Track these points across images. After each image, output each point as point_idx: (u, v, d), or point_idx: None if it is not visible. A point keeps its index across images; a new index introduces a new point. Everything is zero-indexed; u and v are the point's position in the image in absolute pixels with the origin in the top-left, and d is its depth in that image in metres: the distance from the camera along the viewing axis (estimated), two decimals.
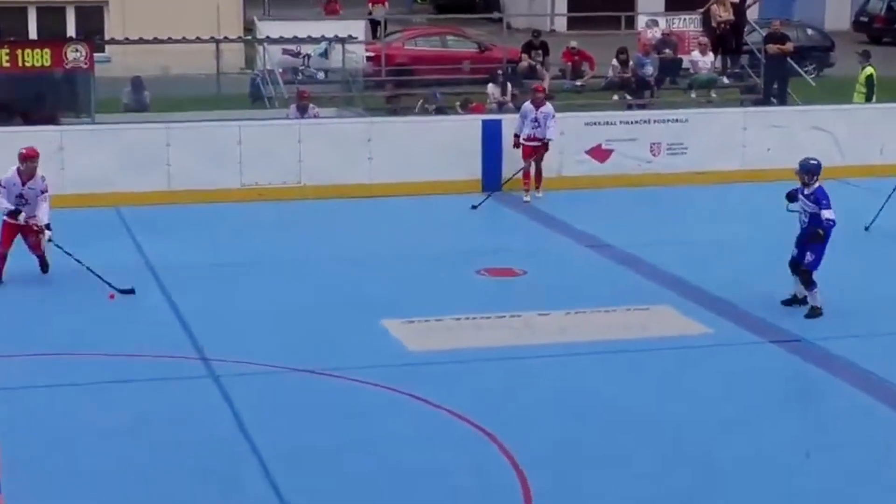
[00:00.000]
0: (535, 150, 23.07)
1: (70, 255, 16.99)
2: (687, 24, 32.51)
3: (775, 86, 30.08)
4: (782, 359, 15.20)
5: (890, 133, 25.34)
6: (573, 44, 32.40)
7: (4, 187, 17.17)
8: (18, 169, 17.27)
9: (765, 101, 29.62)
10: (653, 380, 14.48)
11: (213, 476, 11.82)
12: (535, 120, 22.99)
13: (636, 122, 25.26)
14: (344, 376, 14.24)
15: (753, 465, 12.20)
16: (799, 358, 15.18)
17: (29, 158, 17.29)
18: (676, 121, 24.89)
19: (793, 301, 16.58)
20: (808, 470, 12.16)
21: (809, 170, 16.24)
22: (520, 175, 23.13)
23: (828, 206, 15.99)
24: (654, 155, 24.34)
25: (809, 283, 16.19)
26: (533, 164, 23.12)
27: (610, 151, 24.10)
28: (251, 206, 22.18)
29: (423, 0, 61.34)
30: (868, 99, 28.35)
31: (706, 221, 21.60)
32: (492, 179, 23.58)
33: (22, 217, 17.18)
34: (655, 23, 32.86)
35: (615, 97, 29.98)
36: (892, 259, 19.28)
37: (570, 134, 23.97)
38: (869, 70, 28.61)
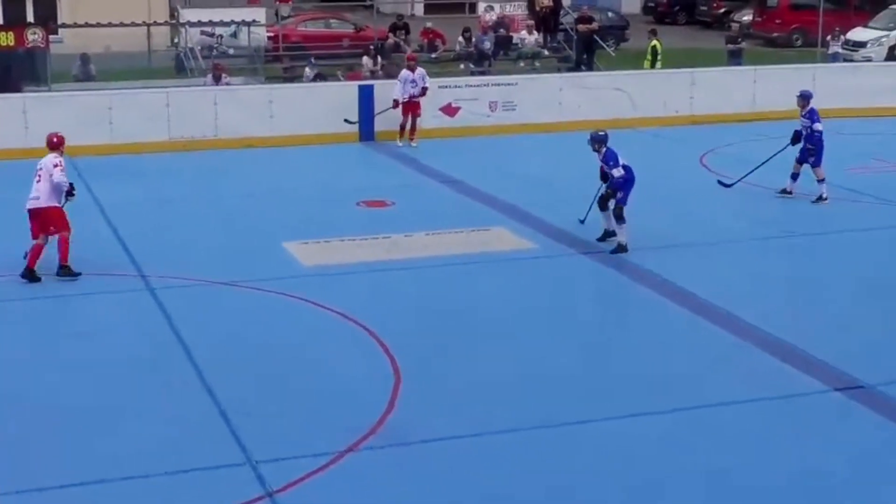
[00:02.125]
0: (414, 106, 22.89)
1: None
2: (516, 9, 32.57)
3: (585, 56, 30.22)
4: (592, 266, 15.34)
5: (671, 92, 25.55)
6: (429, 24, 32.35)
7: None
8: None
9: (576, 69, 29.73)
10: (493, 284, 14.58)
11: (147, 364, 11.81)
12: (413, 81, 22.77)
13: (478, 85, 25.19)
14: (255, 287, 14.16)
15: (571, 345, 12.40)
16: (602, 264, 15.34)
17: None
18: (509, 84, 24.89)
19: (605, 236, 16.03)
20: (613, 345, 12.40)
21: (597, 139, 15.78)
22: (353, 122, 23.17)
23: (616, 166, 15.50)
24: (492, 111, 24.32)
25: (620, 218, 15.63)
26: (410, 117, 22.91)
27: (458, 108, 24.06)
28: (178, 155, 21.86)
29: None
30: (653, 66, 28.68)
31: (533, 162, 21.70)
32: (367, 131, 23.44)
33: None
34: (492, 8, 32.88)
35: (461, 66, 29.95)
36: (694, 190, 19.49)
37: (427, 95, 23.84)
38: (654, 43, 28.91)
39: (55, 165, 14.33)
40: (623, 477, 9.56)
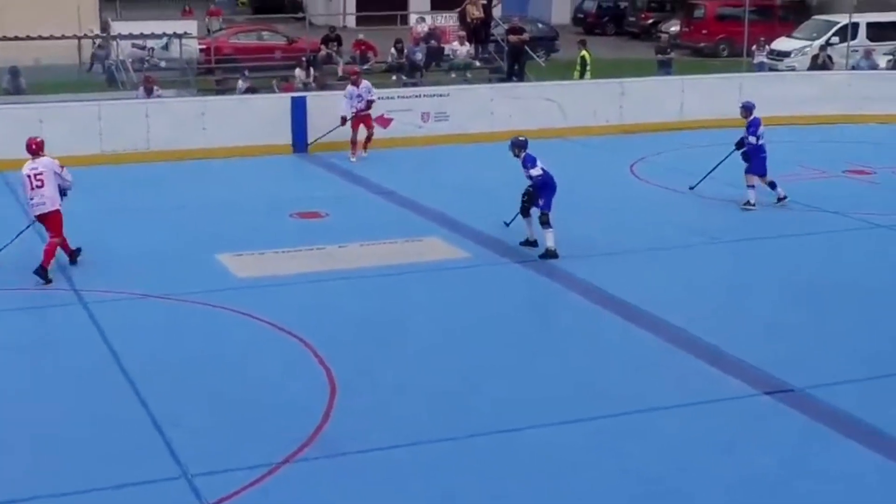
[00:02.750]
0: (362, 119, 22.73)
1: None
2: (448, 20, 32.64)
3: (515, 67, 30.34)
4: (525, 274, 15.40)
5: (601, 102, 25.73)
6: (361, 36, 32.29)
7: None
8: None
9: (507, 79, 29.84)
10: (427, 293, 14.60)
11: (81, 378, 11.68)
12: (359, 96, 22.60)
13: (410, 96, 25.18)
14: (188, 299, 14.06)
15: (505, 353, 12.44)
16: (534, 272, 15.41)
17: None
18: (441, 95, 24.93)
19: (526, 243, 16.22)
20: (546, 352, 12.46)
21: (517, 144, 16.09)
22: (324, 139, 22.91)
23: (533, 166, 15.78)
24: (424, 122, 24.34)
25: (546, 224, 15.82)
26: (363, 130, 22.76)
27: (391, 119, 24.03)
28: (110, 168, 21.57)
29: (244, 4, 60.50)
30: (583, 76, 28.86)
31: (465, 172, 21.75)
32: (300, 143, 23.39)
33: None
34: (424, 20, 32.93)
35: (394, 77, 29.93)
36: (624, 197, 19.62)
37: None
38: (584, 53, 29.10)
39: (61, 167, 15.04)
40: (557, 484, 9.59)
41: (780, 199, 18.88)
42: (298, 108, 23.48)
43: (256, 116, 23.40)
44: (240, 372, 11.87)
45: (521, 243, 16.30)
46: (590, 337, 13.14)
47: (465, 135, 24.20)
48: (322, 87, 27.78)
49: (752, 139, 18.64)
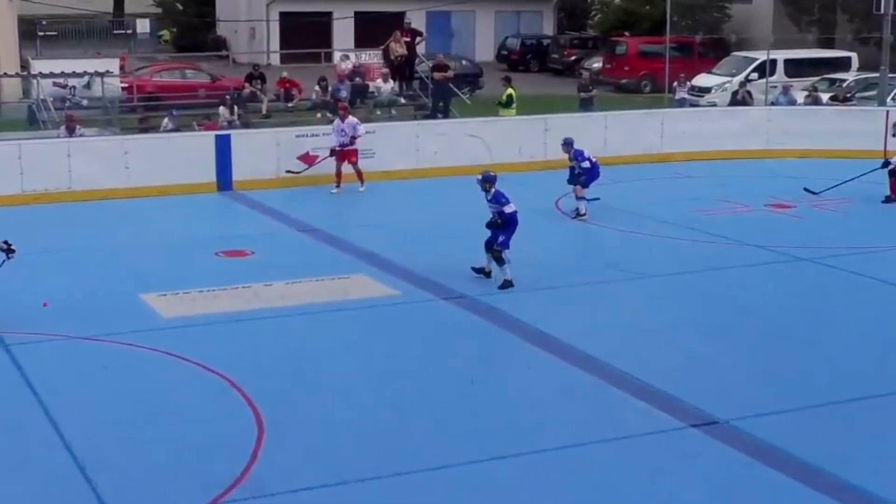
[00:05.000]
0: (345, 154, 23.18)
1: None
2: (372, 58, 32.70)
3: (440, 104, 30.51)
4: (453, 311, 15.41)
5: (526, 137, 25.94)
6: (285, 74, 32.30)
7: None
8: None
9: (432, 116, 29.97)
10: (354, 331, 14.57)
11: (3, 423, 11.46)
12: (342, 130, 23.07)
13: None
14: (113, 340, 13.90)
15: (433, 390, 12.44)
16: (462, 309, 15.46)
17: None
18: (366, 132, 24.92)
19: (481, 271, 16.40)
20: (473, 389, 12.50)
21: (488, 179, 16.25)
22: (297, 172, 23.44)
23: (507, 203, 16.00)
24: (304, 162, 24.13)
25: (500, 260, 15.99)
26: (347, 165, 23.23)
27: (316, 157, 24.00)
28: (31, 208, 21.36)
29: (166, 42, 60.27)
30: (508, 112, 29.03)
31: (392, 209, 21.79)
32: (224, 181, 23.31)
33: None
34: (348, 57, 32.97)
35: (319, 115, 29.90)
36: (549, 233, 19.71)
37: (284, 144, 23.91)
38: (510, 90, 29.33)
39: None
40: None
41: (579, 215, 20.54)
42: (223, 146, 23.41)
43: (180, 155, 23.28)
44: (167, 413, 11.75)
45: (475, 269, 16.43)
46: (519, 372, 13.19)
47: (390, 171, 24.27)
48: (246, 125, 27.70)
49: (585, 164, 20.39)
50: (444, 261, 17.32)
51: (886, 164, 22.30)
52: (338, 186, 23.27)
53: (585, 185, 20.61)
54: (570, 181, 20.82)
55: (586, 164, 20.45)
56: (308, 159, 23.79)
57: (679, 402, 12.05)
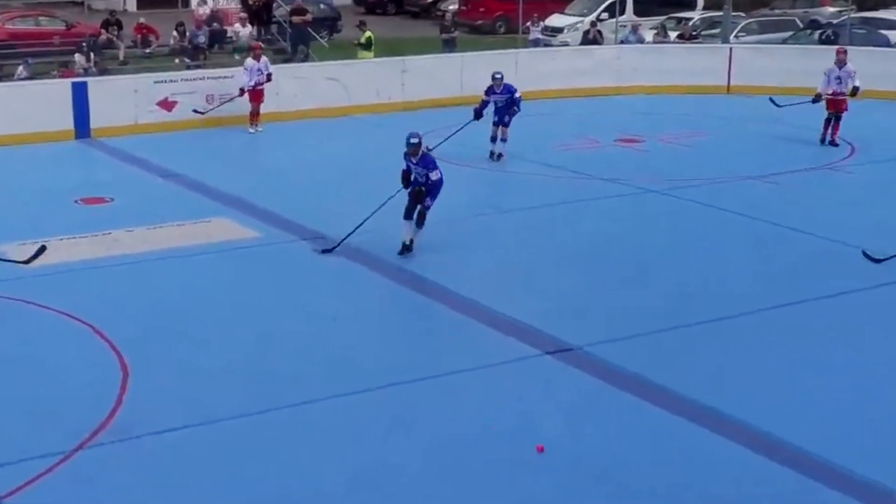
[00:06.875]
0: (258, 93, 23.41)
1: None
2: (230, 3, 32.19)
3: (299, 47, 30.19)
4: (313, 253, 15.28)
5: (384, 79, 25.88)
6: (142, 20, 31.57)
7: None
8: None
9: (291, 60, 29.67)
10: (216, 273, 14.45)
11: None
12: (259, 70, 23.33)
13: (194, 79, 24.71)
14: None
15: (295, 329, 12.43)
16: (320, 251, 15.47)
17: None
18: (224, 77, 24.58)
19: (403, 250, 14.98)
20: (334, 326, 12.52)
21: (417, 144, 14.91)
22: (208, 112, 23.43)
23: (435, 168, 14.84)
24: (209, 103, 23.98)
25: (422, 223, 14.96)
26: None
27: (175, 102, 23.57)
28: None
29: None
30: (367, 54, 28.89)
31: (252, 152, 21.60)
32: (82, 129, 22.75)
33: None
34: (205, 2, 32.35)
35: (177, 61, 29.35)
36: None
37: (142, 91, 23.42)
38: (368, 33, 29.15)
39: None
40: (356, 450, 9.70)
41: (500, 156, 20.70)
42: (80, 94, 22.83)
43: (36, 103, 22.58)
44: (28, 362, 11.51)
45: (400, 253, 14.97)
46: (382, 309, 13.25)
47: (246, 115, 23.91)
48: (103, 72, 27.03)
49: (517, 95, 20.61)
50: (306, 203, 17.22)
51: (817, 98, 22.12)
52: (256, 125, 23.44)
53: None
54: (503, 122, 20.66)
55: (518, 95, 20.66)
56: (167, 105, 23.37)
57: (534, 330, 12.27)
